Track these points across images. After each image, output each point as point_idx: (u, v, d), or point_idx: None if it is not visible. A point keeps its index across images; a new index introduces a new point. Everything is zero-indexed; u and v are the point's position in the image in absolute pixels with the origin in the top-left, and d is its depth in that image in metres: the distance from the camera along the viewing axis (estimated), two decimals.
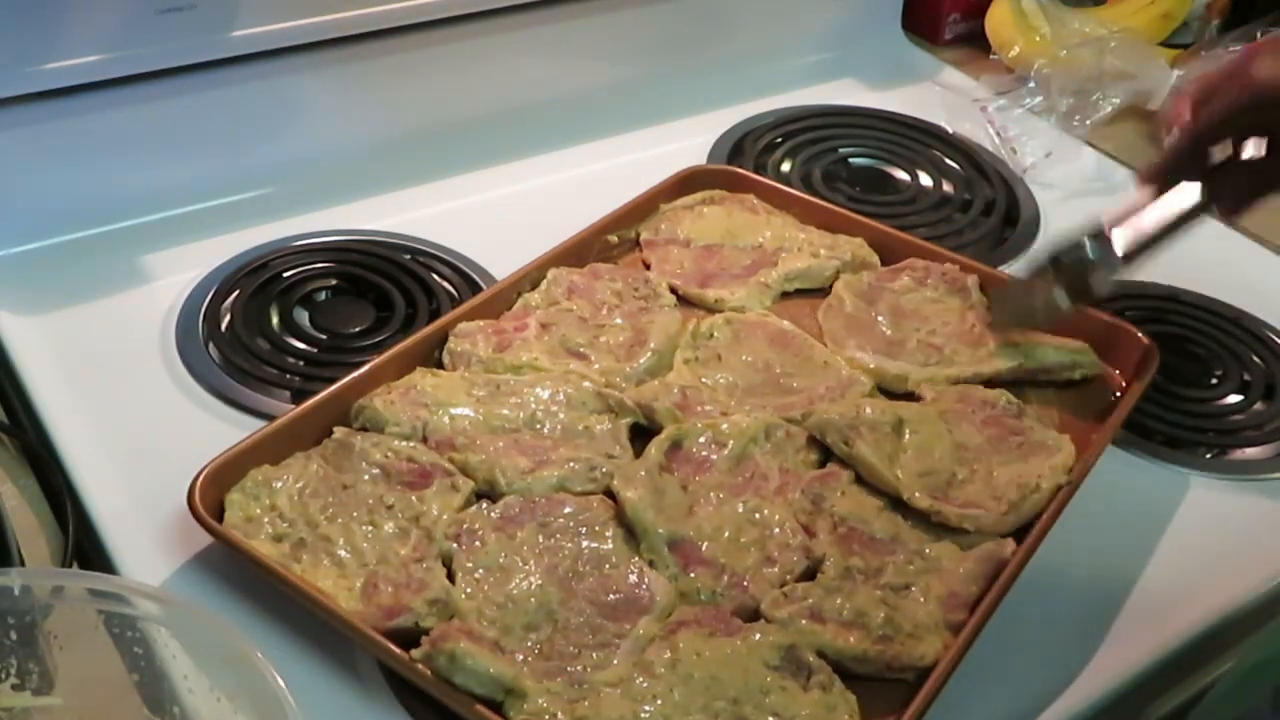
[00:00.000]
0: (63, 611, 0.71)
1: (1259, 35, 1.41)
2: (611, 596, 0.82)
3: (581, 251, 1.10)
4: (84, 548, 0.90)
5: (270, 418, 0.96)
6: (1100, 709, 0.86)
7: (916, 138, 1.41)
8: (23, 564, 0.84)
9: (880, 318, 1.07)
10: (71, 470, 0.93)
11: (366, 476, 0.87)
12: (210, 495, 0.84)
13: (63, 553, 0.89)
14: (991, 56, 1.53)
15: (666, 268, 1.11)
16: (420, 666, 0.75)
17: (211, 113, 1.18)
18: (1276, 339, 1.18)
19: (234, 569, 0.84)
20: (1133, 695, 0.89)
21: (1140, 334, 1.04)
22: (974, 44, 1.59)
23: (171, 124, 1.16)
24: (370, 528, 0.84)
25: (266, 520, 0.84)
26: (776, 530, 0.87)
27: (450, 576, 0.82)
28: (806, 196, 1.21)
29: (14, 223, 1.12)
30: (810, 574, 0.86)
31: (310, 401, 0.92)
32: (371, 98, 1.25)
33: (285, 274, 1.12)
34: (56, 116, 1.11)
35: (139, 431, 0.97)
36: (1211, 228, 1.32)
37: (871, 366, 1.02)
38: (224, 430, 0.95)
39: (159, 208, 1.17)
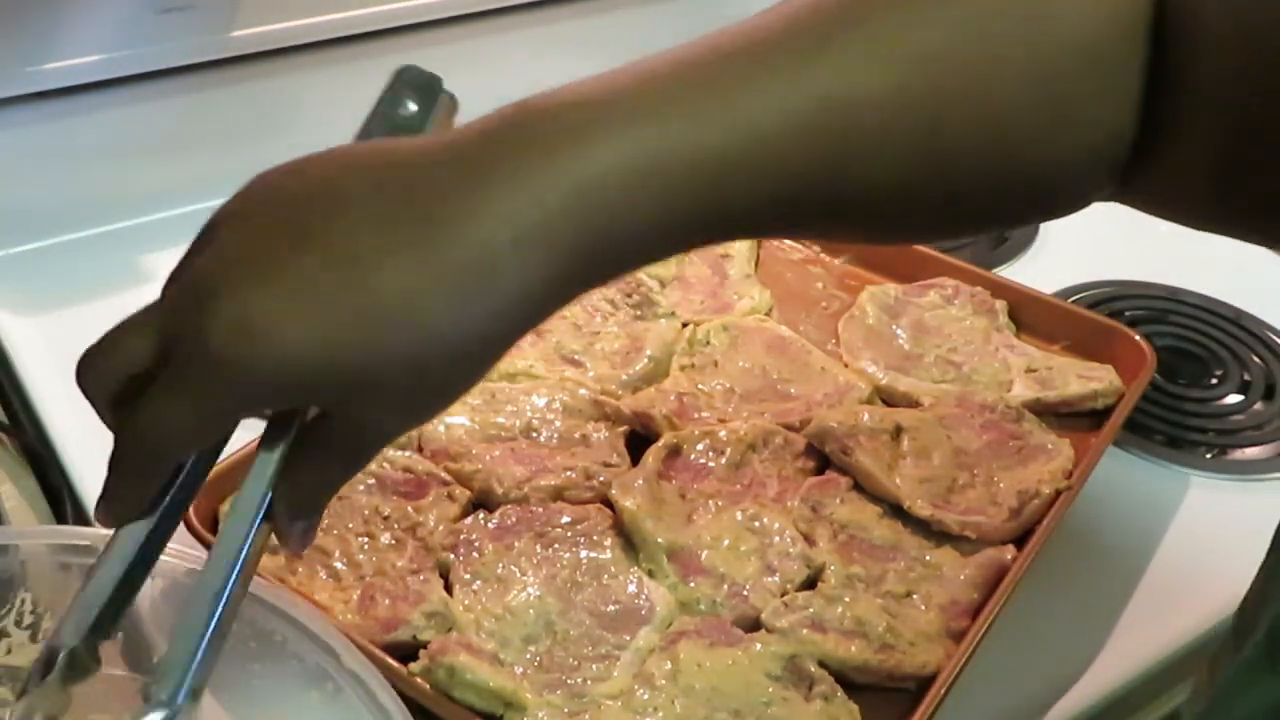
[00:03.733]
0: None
1: None
2: (610, 607, 0.82)
3: None
4: None
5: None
6: (1101, 711, 0.86)
7: None
8: None
9: (900, 331, 1.06)
10: (71, 470, 0.93)
11: (361, 487, 0.87)
12: (204, 505, 0.83)
13: None
14: None
15: None
16: (419, 680, 0.75)
17: (211, 113, 1.18)
18: (1276, 339, 1.18)
19: None
20: (1134, 696, 0.89)
21: (1137, 336, 1.04)
22: None
23: (171, 124, 1.16)
24: (366, 539, 0.84)
25: None
26: (776, 539, 0.87)
27: (448, 588, 0.82)
28: None
29: (14, 223, 1.12)
30: (811, 583, 0.86)
31: None
32: (371, 98, 1.25)
33: None
34: (56, 116, 1.11)
35: None
36: None
37: (883, 382, 1.01)
38: None
39: (159, 208, 1.17)
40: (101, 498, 0.56)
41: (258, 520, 0.55)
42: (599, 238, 0.51)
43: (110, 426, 0.55)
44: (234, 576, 0.55)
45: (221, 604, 0.55)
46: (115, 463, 0.55)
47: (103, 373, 0.54)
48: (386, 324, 0.50)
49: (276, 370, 0.50)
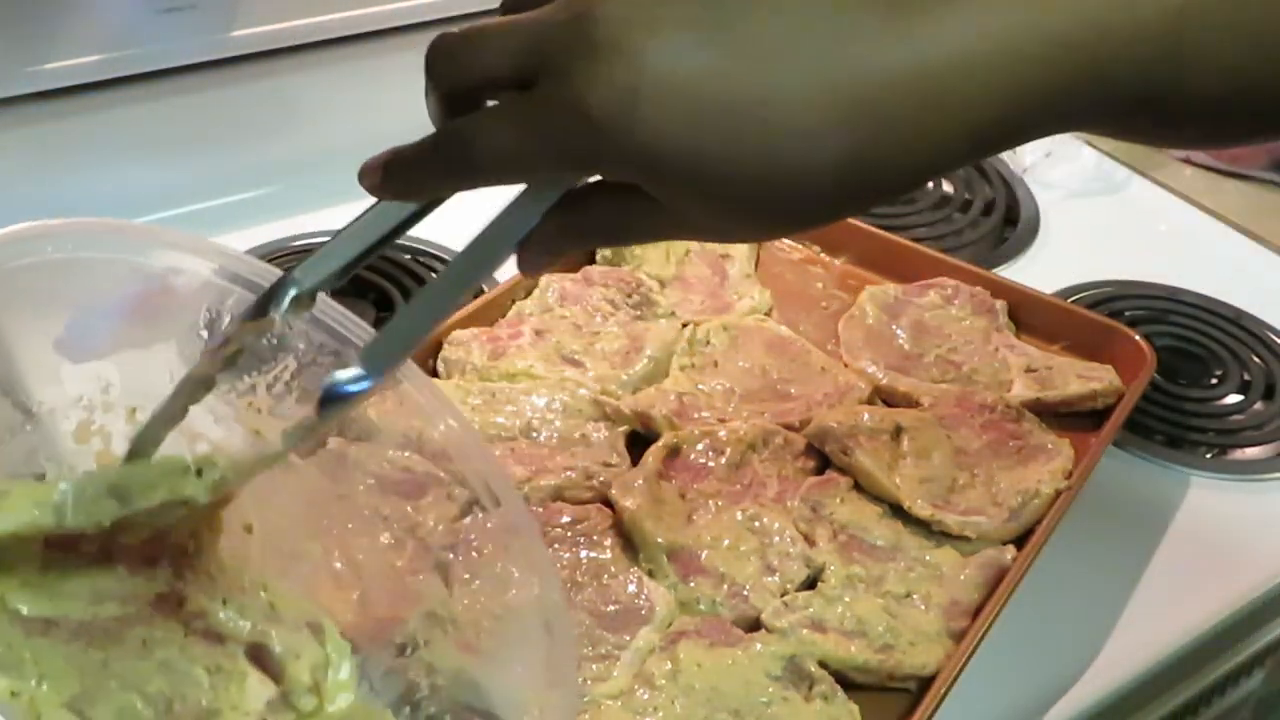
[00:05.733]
0: None
1: None
2: (610, 607, 0.81)
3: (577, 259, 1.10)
4: None
5: None
6: (1101, 711, 0.86)
7: None
8: None
9: (900, 331, 1.06)
10: None
11: (361, 487, 0.87)
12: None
13: None
14: None
15: None
16: None
17: (211, 113, 1.18)
18: (1276, 339, 1.18)
19: None
20: (1134, 697, 0.89)
21: (1137, 336, 1.04)
22: None
23: (171, 124, 1.16)
24: (366, 539, 0.84)
25: None
26: (776, 539, 0.87)
27: (447, 588, 0.82)
28: None
29: (14, 223, 1.12)
30: (811, 583, 0.86)
31: None
32: (371, 98, 1.25)
33: None
34: (56, 116, 1.11)
35: None
36: (1211, 227, 1.32)
37: (883, 382, 1.01)
38: None
39: (159, 208, 1.17)
40: (387, 164, 0.55)
41: (513, 242, 0.55)
42: (1024, 93, 0.48)
43: (433, 115, 0.54)
44: (479, 277, 0.58)
45: (458, 295, 0.58)
46: (426, 147, 0.54)
47: (456, 68, 0.53)
48: (788, 136, 0.46)
49: (641, 152, 0.47)
